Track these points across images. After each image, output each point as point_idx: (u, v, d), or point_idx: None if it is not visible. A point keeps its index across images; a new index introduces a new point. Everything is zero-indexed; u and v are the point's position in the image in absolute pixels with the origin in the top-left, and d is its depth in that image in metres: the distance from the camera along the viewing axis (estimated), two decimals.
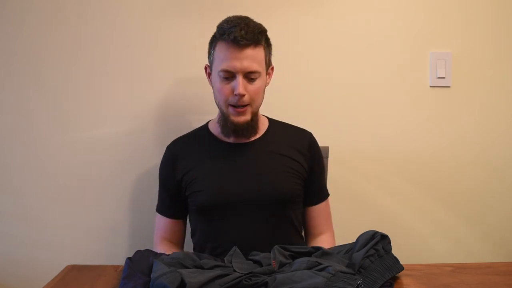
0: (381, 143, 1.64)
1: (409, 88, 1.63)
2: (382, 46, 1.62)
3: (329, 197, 1.38)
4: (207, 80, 1.31)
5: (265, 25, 1.25)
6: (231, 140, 1.29)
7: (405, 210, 1.66)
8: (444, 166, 1.66)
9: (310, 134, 1.37)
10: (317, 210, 1.34)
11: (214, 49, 1.23)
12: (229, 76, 1.20)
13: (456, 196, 1.66)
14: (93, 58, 1.55)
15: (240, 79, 1.19)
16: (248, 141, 1.29)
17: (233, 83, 1.20)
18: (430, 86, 1.64)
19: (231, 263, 0.98)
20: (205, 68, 1.30)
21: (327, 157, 1.47)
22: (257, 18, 1.26)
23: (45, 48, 1.54)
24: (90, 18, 1.54)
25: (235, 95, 1.19)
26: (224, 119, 1.26)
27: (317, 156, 1.36)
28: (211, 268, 0.95)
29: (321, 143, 1.40)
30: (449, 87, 1.64)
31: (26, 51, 1.54)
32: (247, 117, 1.23)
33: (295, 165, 1.29)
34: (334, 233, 1.36)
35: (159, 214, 1.35)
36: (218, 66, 1.21)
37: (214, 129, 1.33)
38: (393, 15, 1.62)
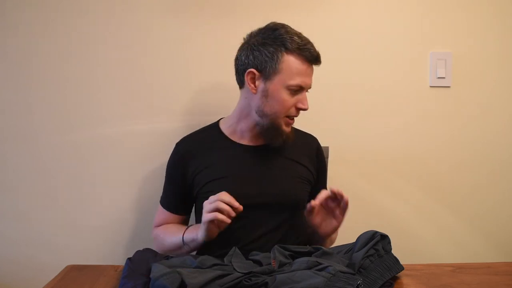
0: (381, 143, 1.64)
1: (409, 88, 1.64)
2: (382, 46, 1.62)
3: None
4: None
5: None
6: (243, 142, 1.29)
7: (405, 210, 1.66)
8: (444, 166, 1.66)
9: (316, 139, 1.40)
10: None
11: (280, 59, 1.18)
12: (298, 90, 1.21)
13: (456, 196, 1.67)
14: (94, 57, 1.55)
15: (305, 95, 1.23)
16: (260, 144, 1.29)
17: (297, 97, 1.22)
18: (430, 86, 1.64)
19: (231, 262, 0.98)
20: (248, 73, 1.22)
21: (327, 157, 1.47)
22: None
23: (46, 47, 1.54)
24: (92, 17, 1.54)
25: (298, 108, 1.23)
26: (275, 128, 1.24)
27: (322, 162, 1.40)
28: (210, 266, 0.95)
29: (321, 143, 1.41)
30: (449, 87, 1.64)
31: (26, 51, 1.54)
32: (291, 126, 1.28)
33: (305, 172, 1.32)
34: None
35: (161, 207, 1.36)
36: (289, 79, 1.19)
37: (227, 129, 1.32)
38: (393, 15, 1.62)
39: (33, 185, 1.56)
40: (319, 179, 1.37)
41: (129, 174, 1.57)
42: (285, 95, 1.20)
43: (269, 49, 1.19)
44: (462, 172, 1.66)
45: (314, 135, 1.41)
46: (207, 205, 1.09)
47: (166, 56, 1.57)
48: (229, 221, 1.09)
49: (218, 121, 1.36)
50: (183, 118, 1.57)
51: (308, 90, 1.25)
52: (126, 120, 1.57)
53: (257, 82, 1.22)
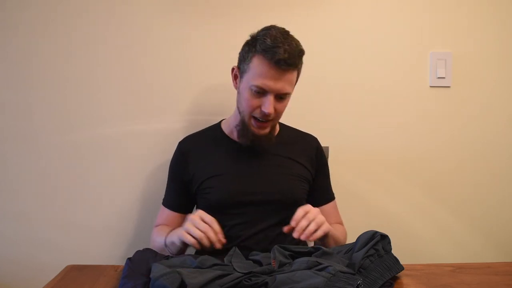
0: (381, 143, 1.64)
1: (409, 88, 1.64)
2: (382, 46, 1.62)
3: (335, 200, 1.41)
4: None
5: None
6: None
7: (405, 210, 1.66)
8: (444, 166, 1.66)
9: (317, 140, 1.41)
10: (324, 211, 1.33)
11: (250, 59, 1.20)
12: (261, 91, 1.19)
13: (456, 196, 1.67)
14: (94, 57, 1.55)
15: (271, 98, 1.19)
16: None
17: (262, 99, 1.20)
18: (430, 86, 1.64)
19: (230, 262, 0.98)
20: (232, 69, 1.28)
21: (327, 157, 1.47)
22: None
23: (46, 47, 1.54)
24: (92, 17, 1.54)
25: (262, 111, 1.20)
26: (244, 127, 1.26)
27: (322, 162, 1.40)
28: (210, 266, 0.94)
29: (321, 143, 1.41)
30: (449, 87, 1.64)
31: (26, 51, 1.54)
32: (267, 130, 1.25)
33: (303, 171, 1.33)
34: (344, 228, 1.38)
35: (163, 206, 1.37)
36: (252, 80, 1.19)
37: (227, 129, 1.35)
38: (394, 15, 1.62)
39: (33, 185, 1.56)
40: (319, 178, 1.37)
41: (129, 174, 1.57)
42: (249, 95, 1.21)
43: (245, 49, 1.23)
44: (462, 172, 1.66)
45: (314, 135, 1.41)
46: (193, 227, 1.06)
47: (166, 56, 1.57)
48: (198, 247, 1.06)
49: (221, 121, 1.39)
50: (183, 118, 1.57)
51: (284, 95, 1.21)
52: (126, 120, 1.57)
53: (237, 79, 1.26)
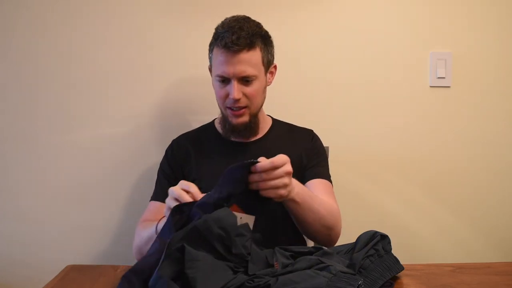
0: (381, 143, 1.64)
1: (409, 88, 1.64)
2: (382, 46, 1.62)
3: (330, 183, 1.32)
4: (208, 80, 1.31)
5: (264, 24, 1.25)
6: (233, 138, 1.31)
7: (405, 210, 1.66)
8: (444, 166, 1.66)
9: (311, 131, 1.39)
10: (311, 184, 1.28)
11: (212, 52, 1.25)
12: (224, 80, 1.21)
13: (456, 196, 1.66)
14: (94, 57, 1.55)
15: (235, 83, 1.20)
16: (249, 140, 1.31)
17: (228, 87, 1.21)
18: (430, 86, 1.64)
19: (249, 250, 0.94)
20: (209, 69, 1.30)
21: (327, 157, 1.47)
22: (255, 17, 1.26)
23: (46, 47, 1.54)
24: (92, 17, 1.54)
25: (230, 98, 1.21)
26: (224, 120, 1.28)
27: (316, 148, 1.36)
28: (229, 254, 0.90)
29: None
30: (449, 87, 1.64)
31: (26, 51, 1.54)
32: (245, 119, 1.25)
33: (297, 163, 1.30)
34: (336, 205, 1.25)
35: (151, 202, 1.32)
36: (215, 71, 1.23)
37: (219, 127, 1.35)
38: (394, 15, 1.62)
39: (33, 185, 1.56)
40: (310, 161, 1.31)
41: (129, 174, 1.57)
42: (217, 85, 1.24)
43: (210, 45, 1.26)
44: (461, 171, 1.66)
45: None
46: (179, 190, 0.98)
47: (166, 56, 1.57)
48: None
49: (214, 120, 1.40)
50: (183, 118, 1.57)
51: (247, 77, 1.19)
52: (126, 120, 1.57)
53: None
